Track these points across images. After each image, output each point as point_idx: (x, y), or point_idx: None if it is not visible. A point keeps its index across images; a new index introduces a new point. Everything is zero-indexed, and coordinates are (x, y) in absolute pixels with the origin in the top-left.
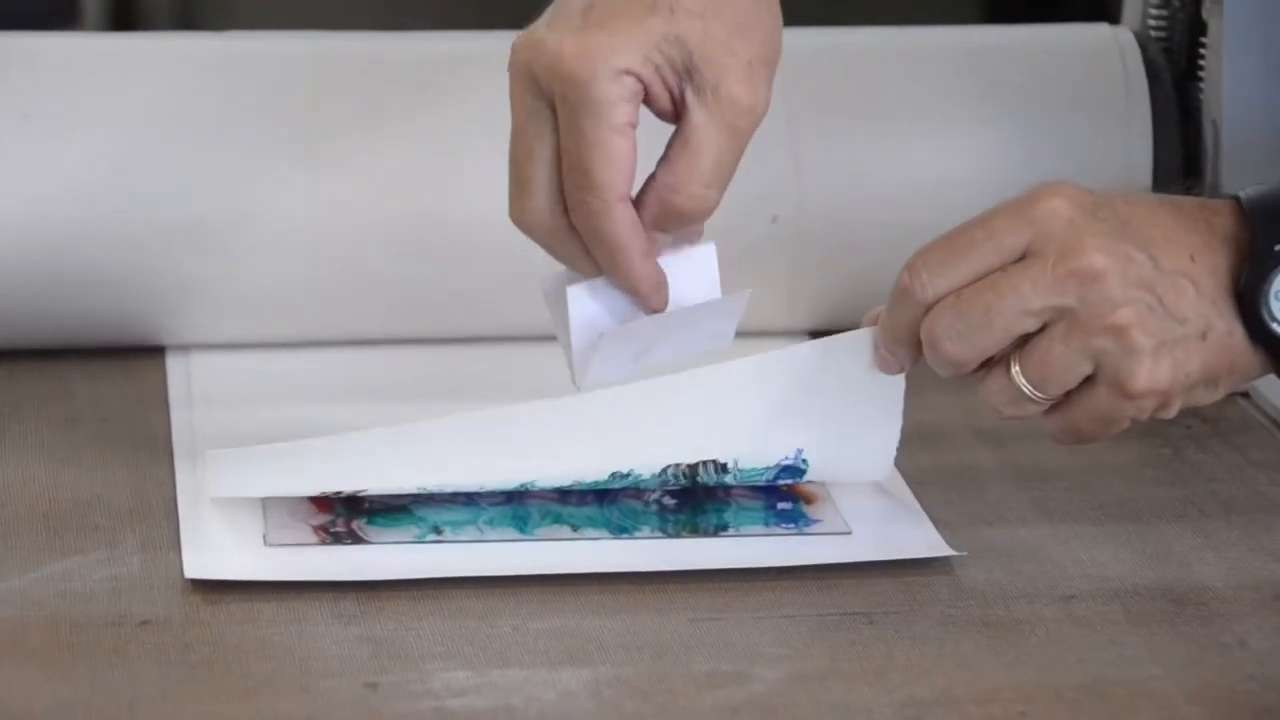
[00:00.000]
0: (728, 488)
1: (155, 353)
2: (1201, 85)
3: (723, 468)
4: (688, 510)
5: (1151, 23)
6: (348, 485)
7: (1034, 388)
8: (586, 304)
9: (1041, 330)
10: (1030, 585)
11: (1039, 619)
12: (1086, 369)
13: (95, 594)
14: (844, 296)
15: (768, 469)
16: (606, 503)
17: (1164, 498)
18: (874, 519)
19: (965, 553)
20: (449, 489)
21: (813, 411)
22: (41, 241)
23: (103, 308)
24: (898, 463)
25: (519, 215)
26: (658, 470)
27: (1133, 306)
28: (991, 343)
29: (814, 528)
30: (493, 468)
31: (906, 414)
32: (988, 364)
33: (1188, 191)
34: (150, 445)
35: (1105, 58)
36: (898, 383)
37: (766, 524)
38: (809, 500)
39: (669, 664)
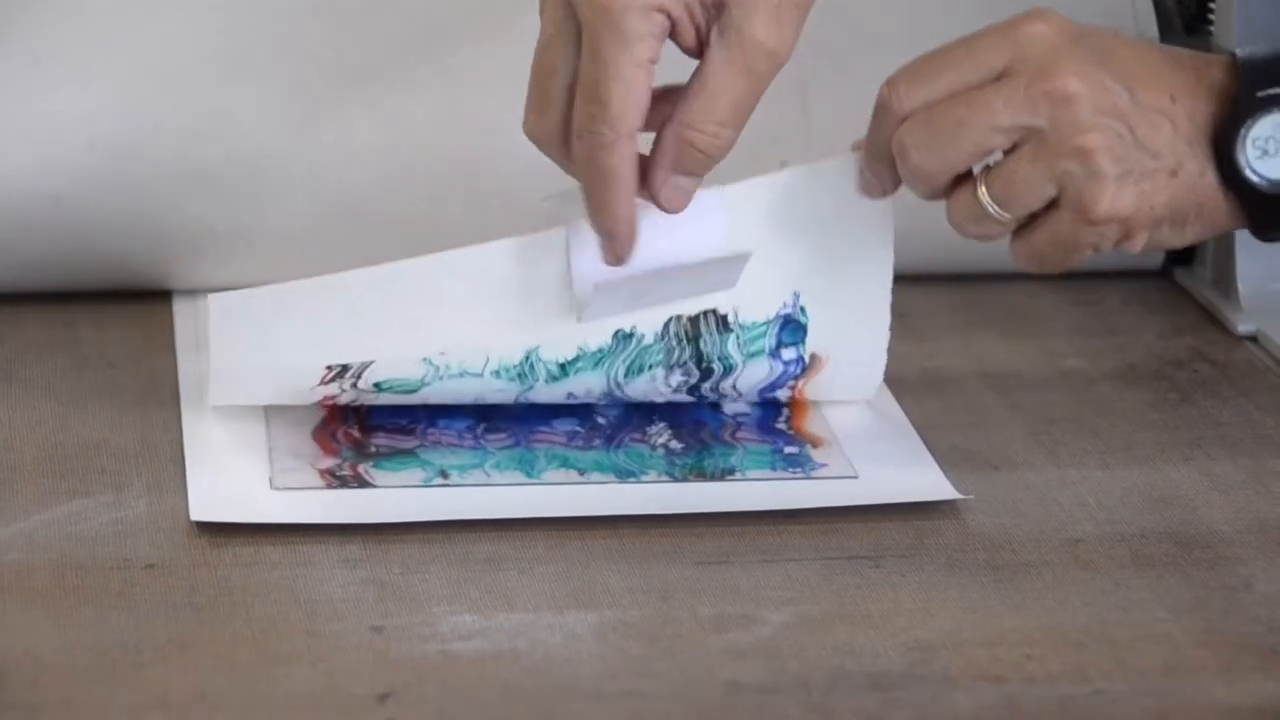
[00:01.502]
0: (735, 428)
1: (162, 297)
2: (1212, 31)
3: (724, 321)
4: (694, 454)
5: None
6: (350, 354)
7: (998, 206)
8: (589, 245)
9: (1011, 150)
10: (1037, 529)
11: (1045, 562)
12: (1051, 191)
13: (101, 537)
14: None
15: (768, 323)
16: (613, 446)
17: (1170, 441)
18: (880, 463)
19: (972, 496)
20: (454, 364)
21: (804, 245)
22: (49, 185)
23: (110, 252)
24: (907, 412)
25: (533, 128)
26: (660, 328)
27: (1101, 132)
28: (959, 156)
29: (820, 471)
30: (500, 319)
31: (913, 360)
32: (957, 183)
33: None
34: (156, 389)
35: (1115, 5)
36: (886, 214)
37: (773, 468)
38: (815, 444)
39: (675, 608)
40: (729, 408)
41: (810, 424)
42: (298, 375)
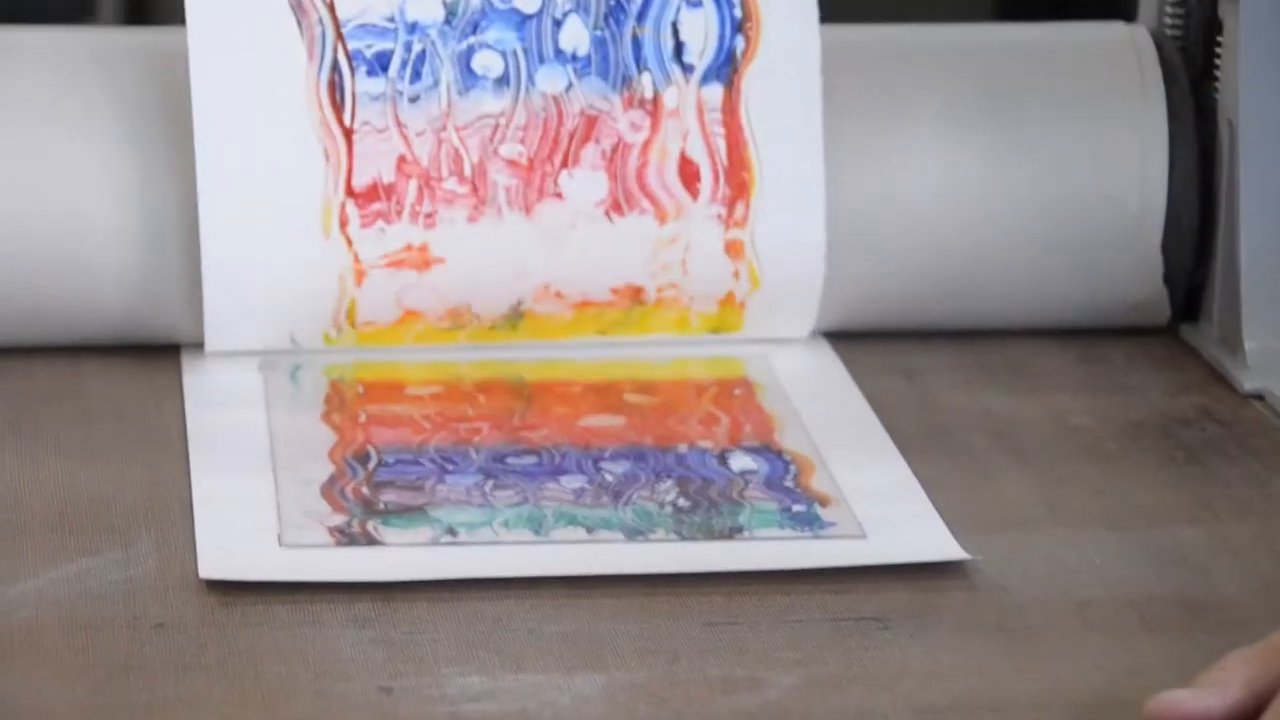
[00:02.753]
0: (743, 486)
1: (171, 351)
2: (1217, 85)
3: None
4: (702, 512)
5: (1168, 21)
6: None
7: None
8: None
9: None
10: (1045, 591)
11: (1054, 625)
12: None
13: (110, 595)
14: (858, 298)
15: None
16: (621, 504)
17: (1178, 501)
18: (888, 522)
19: (980, 557)
20: None
21: None
22: (56, 236)
23: (118, 305)
24: (914, 469)
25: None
26: None
27: None
28: None
29: (828, 530)
30: None
31: (919, 417)
32: None
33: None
34: (165, 444)
35: (1121, 56)
36: None
37: (780, 526)
38: (823, 503)
39: (683, 669)
40: (736, 463)
41: (818, 482)
42: None
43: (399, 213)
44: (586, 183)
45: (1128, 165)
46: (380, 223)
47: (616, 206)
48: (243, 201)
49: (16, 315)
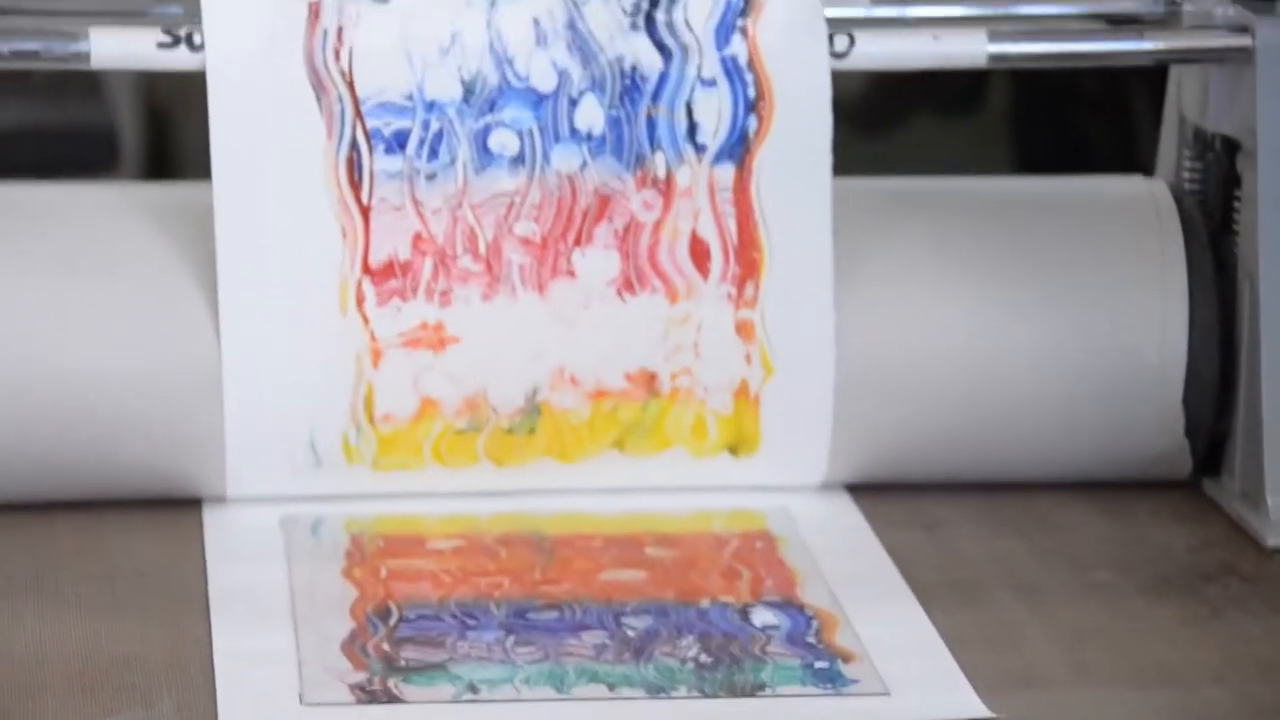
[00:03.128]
0: (765, 641)
1: (192, 505)
2: (1237, 239)
3: None
4: (724, 668)
5: (1186, 175)
6: None
7: None
8: None
9: None
10: None
11: None
12: None
13: None
14: (881, 450)
15: None
16: (643, 660)
17: (1203, 660)
18: (912, 680)
19: (1004, 715)
20: None
21: None
22: (77, 392)
23: (138, 459)
24: (937, 625)
25: None
26: None
27: None
28: None
29: (851, 688)
30: None
31: (942, 571)
32: None
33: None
34: (187, 601)
35: (1141, 210)
36: None
37: (803, 683)
38: (846, 659)
39: None
40: (758, 619)
41: (841, 637)
42: None
43: (415, 290)
44: (599, 261)
45: (1148, 318)
46: (396, 300)
47: (628, 285)
48: (260, 279)
49: (38, 470)
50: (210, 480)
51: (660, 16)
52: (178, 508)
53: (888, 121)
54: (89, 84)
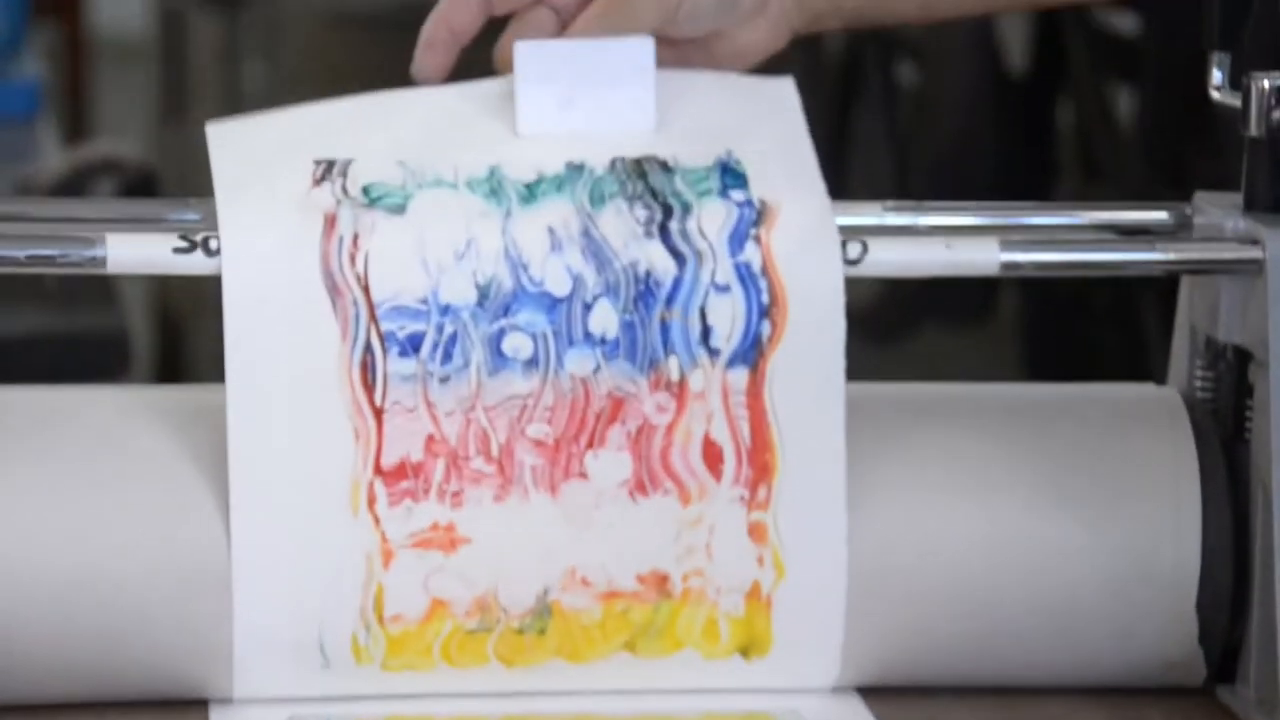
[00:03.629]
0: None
1: (199, 706)
2: (1250, 447)
3: (665, 164)
4: None
5: (1198, 384)
6: (332, 150)
7: None
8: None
9: None
10: None
11: None
12: None
13: None
14: (893, 653)
15: (708, 169)
16: None
17: None
18: None
19: None
20: (428, 171)
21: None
22: (85, 591)
23: (145, 659)
24: None
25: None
26: (607, 162)
27: None
28: None
29: None
30: (466, 143)
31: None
32: None
33: None
34: None
35: (1152, 418)
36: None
37: None
38: None
39: None
40: None
41: None
42: (291, 177)
43: (426, 492)
44: (611, 463)
45: (1161, 525)
46: (408, 501)
47: (640, 487)
48: (272, 480)
49: (44, 670)
50: (217, 681)
51: (674, 226)
52: (184, 709)
53: (899, 331)
54: (101, 291)
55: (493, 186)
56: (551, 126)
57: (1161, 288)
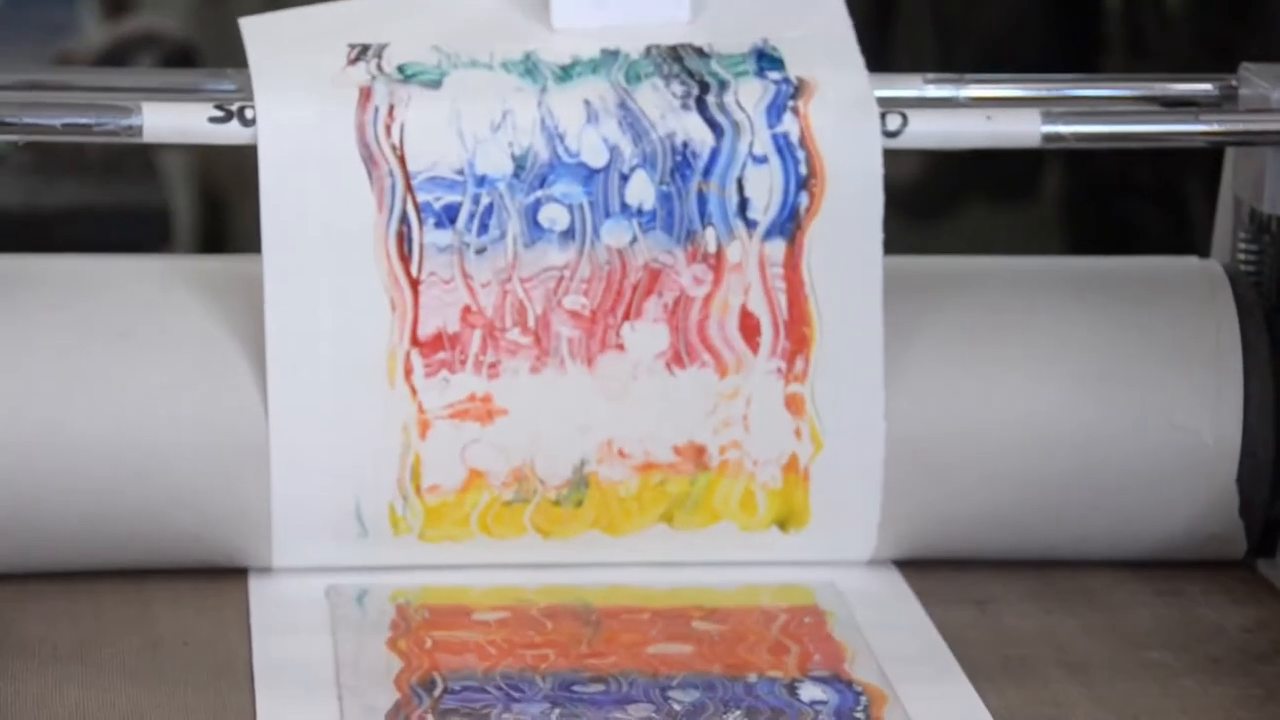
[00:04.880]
0: (814, 716)
1: (238, 575)
2: None
3: (700, 50)
4: None
5: (1241, 256)
6: (367, 35)
7: None
8: None
9: None
10: None
11: None
12: None
13: None
14: (930, 526)
15: (744, 55)
16: None
17: None
18: None
19: None
20: (463, 54)
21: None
22: (124, 461)
23: (185, 529)
24: (987, 702)
25: None
26: (642, 48)
27: None
28: None
29: None
30: (501, 34)
31: (993, 648)
32: None
33: None
34: (231, 672)
35: (1195, 290)
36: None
37: None
38: None
39: None
40: (805, 694)
41: (889, 714)
42: (326, 58)
43: (463, 363)
44: (648, 335)
45: (1203, 398)
46: (444, 372)
47: (677, 359)
48: (309, 350)
49: (84, 539)
50: (256, 550)
51: (711, 99)
52: (223, 577)
53: (940, 209)
54: (143, 165)
55: (528, 68)
56: (586, 20)
57: (1205, 166)
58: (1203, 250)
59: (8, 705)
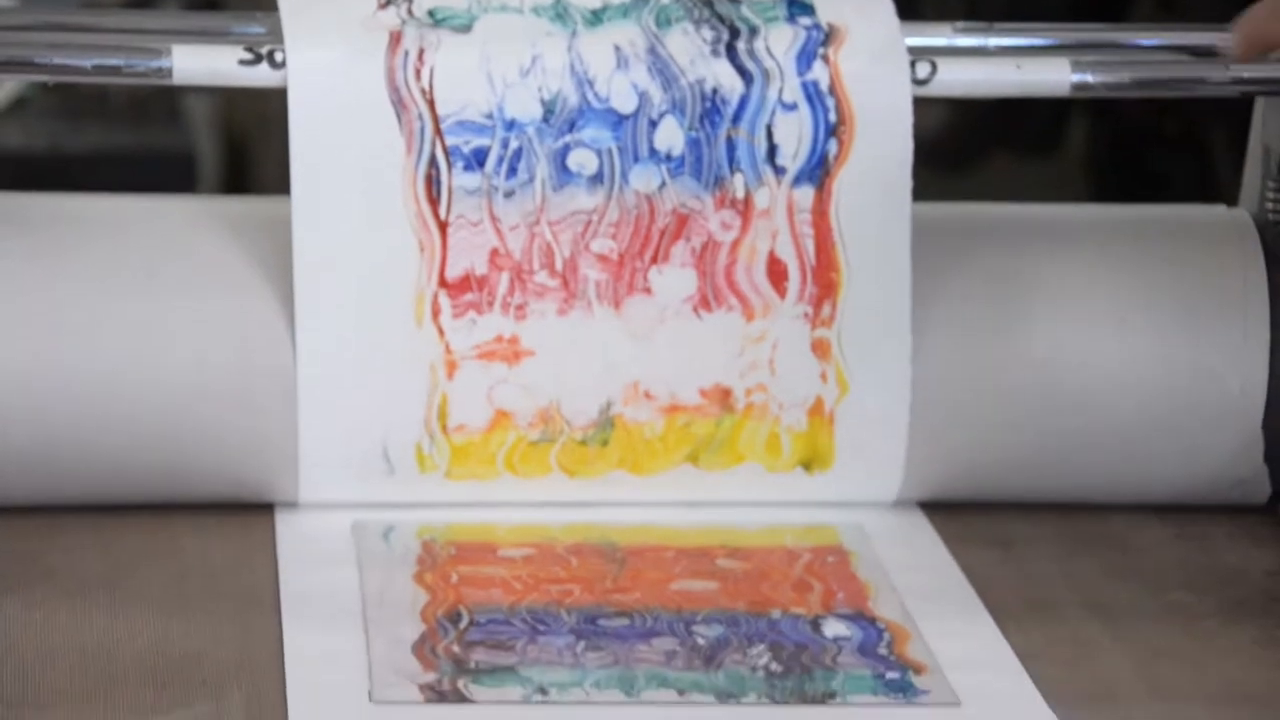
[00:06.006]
0: (836, 651)
1: (265, 510)
2: None
3: None
4: (794, 677)
5: (1269, 205)
6: None
7: None
8: None
9: None
10: None
11: None
12: None
13: None
14: (956, 469)
15: (775, 1)
16: (713, 667)
17: (1279, 681)
18: (984, 693)
19: None
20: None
21: None
22: (154, 397)
23: (213, 465)
24: (1010, 641)
25: None
26: None
27: None
28: None
29: (922, 698)
30: None
31: (1016, 588)
32: None
33: None
34: (258, 603)
35: (1223, 239)
36: None
37: (874, 693)
38: (918, 670)
39: None
40: (829, 630)
41: (912, 650)
42: (357, 1)
43: (490, 304)
44: (675, 279)
45: (1229, 344)
46: (472, 313)
47: (705, 303)
48: (337, 290)
49: (113, 473)
50: (283, 486)
51: (741, 45)
52: (250, 512)
53: (966, 159)
54: (168, 108)
55: (558, 12)
56: None
57: (1233, 115)
58: (1230, 200)
59: (37, 633)
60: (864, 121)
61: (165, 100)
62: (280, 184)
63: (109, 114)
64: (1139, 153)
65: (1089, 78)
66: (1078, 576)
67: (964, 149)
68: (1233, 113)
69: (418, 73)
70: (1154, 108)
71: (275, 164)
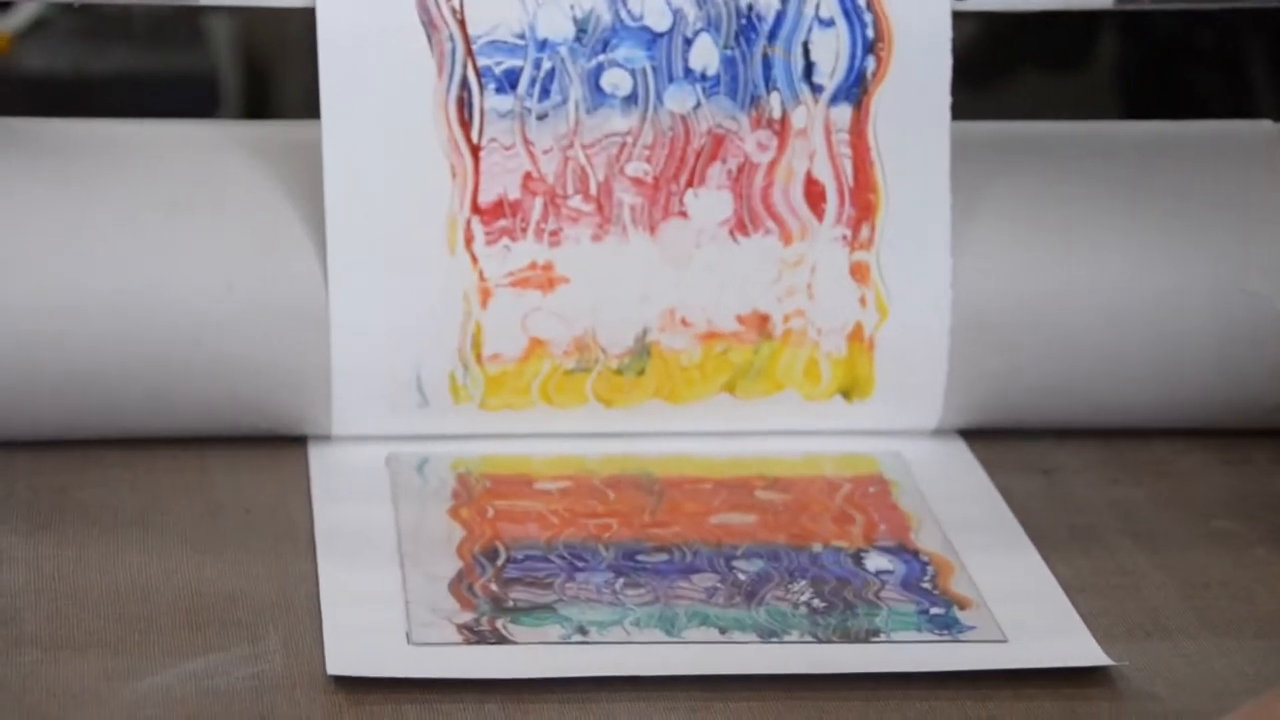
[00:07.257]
0: (879, 587)
1: (298, 443)
2: None
3: None
4: (838, 613)
5: None
6: None
7: None
8: None
9: None
10: (1194, 701)
11: None
12: None
13: (238, 692)
14: (996, 395)
15: None
16: (755, 604)
17: None
18: (1030, 627)
19: (1126, 663)
20: None
21: None
22: (184, 329)
23: (246, 397)
24: (1055, 572)
25: None
26: None
27: None
28: None
29: (968, 634)
30: None
31: (1060, 517)
32: None
33: None
34: (292, 538)
35: (1264, 155)
36: None
37: (919, 629)
38: (962, 605)
39: None
40: (871, 564)
41: (956, 584)
42: None
43: (524, 230)
44: (711, 202)
45: (1271, 264)
46: (505, 240)
47: (741, 226)
48: (368, 218)
49: (144, 406)
50: (316, 418)
51: None
52: (283, 445)
53: (997, 75)
54: (189, 31)
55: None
56: None
57: (1269, 28)
58: (1268, 110)
59: (69, 569)
60: (902, 38)
61: (188, 22)
62: (301, 107)
63: (131, 36)
64: (1172, 67)
65: None
66: (1122, 504)
67: (993, 65)
68: (1269, 23)
69: None
70: (1188, 19)
71: (298, 85)
